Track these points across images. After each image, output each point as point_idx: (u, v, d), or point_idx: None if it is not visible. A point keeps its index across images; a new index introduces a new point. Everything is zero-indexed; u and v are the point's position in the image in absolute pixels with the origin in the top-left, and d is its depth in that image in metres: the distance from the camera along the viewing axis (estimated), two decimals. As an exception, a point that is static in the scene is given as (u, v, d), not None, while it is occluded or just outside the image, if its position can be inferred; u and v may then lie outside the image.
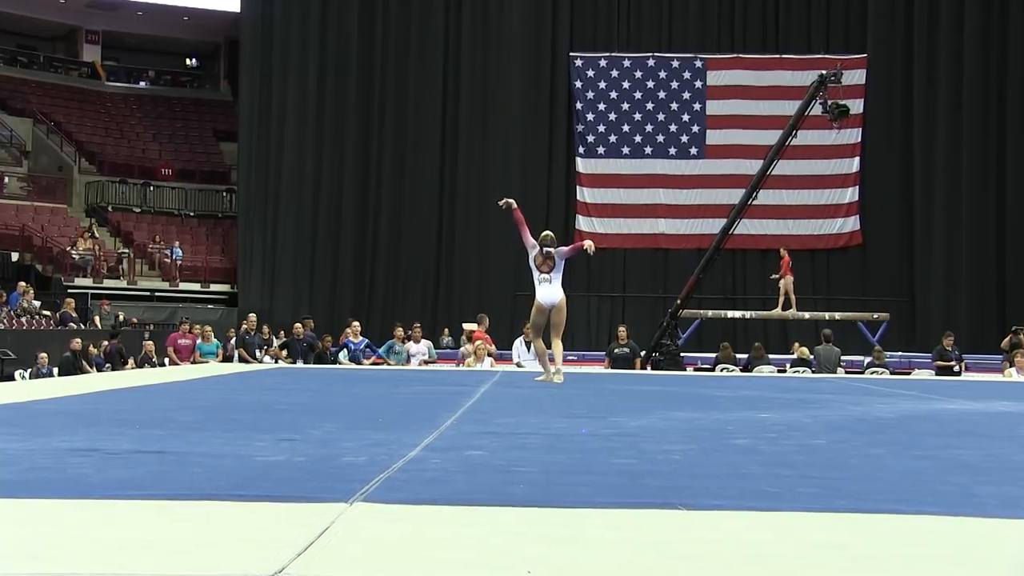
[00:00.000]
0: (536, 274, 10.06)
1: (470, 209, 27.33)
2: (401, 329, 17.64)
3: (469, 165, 27.60)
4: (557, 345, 10.19)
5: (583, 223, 27.38)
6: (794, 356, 18.91)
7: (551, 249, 10.05)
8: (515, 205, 10.34)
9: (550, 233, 10.34)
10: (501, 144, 27.40)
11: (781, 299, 21.34)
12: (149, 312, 27.20)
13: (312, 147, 27.83)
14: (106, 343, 18.98)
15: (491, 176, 27.34)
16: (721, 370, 17.55)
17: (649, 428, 5.32)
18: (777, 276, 21.47)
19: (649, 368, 18.40)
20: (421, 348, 17.46)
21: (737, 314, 22.80)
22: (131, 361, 18.51)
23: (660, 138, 27.61)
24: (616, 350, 17.45)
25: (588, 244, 10.17)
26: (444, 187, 27.66)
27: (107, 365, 17.92)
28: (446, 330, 23.01)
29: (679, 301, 20.63)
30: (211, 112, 36.86)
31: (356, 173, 27.73)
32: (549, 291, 10.00)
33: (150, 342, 18.97)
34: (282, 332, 20.53)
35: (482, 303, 23.94)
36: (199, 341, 17.94)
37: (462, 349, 17.78)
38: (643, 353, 18.51)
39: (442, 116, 27.71)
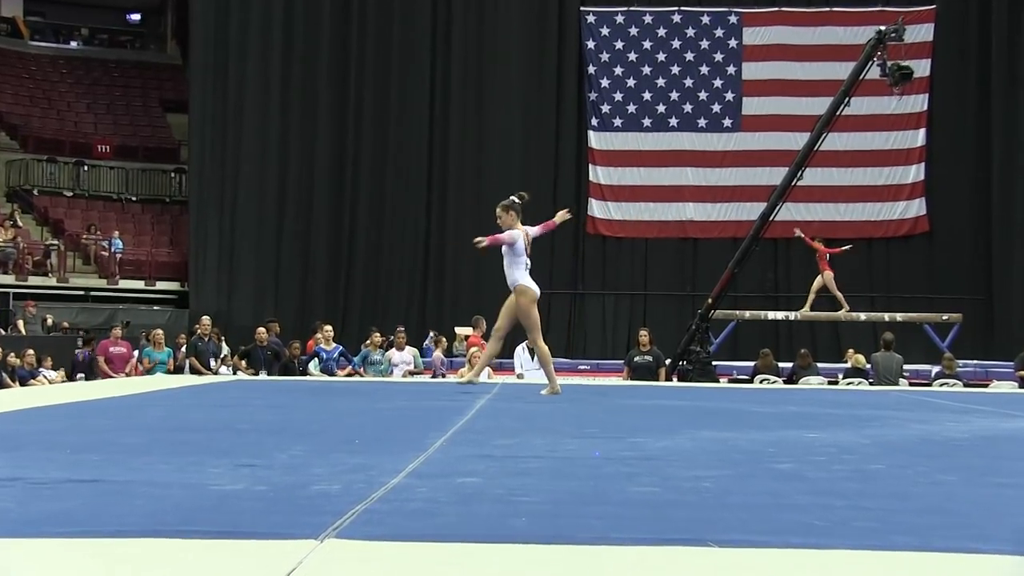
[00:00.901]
0: (522, 259, 10.00)
1: (464, 193, 27.34)
2: (379, 334, 17.65)
3: (462, 142, 27.59)
4: (495, 347, 10.38)
5: (596, 208, 27.40)
6: (848, 365, 18.90)
7: (529, 232, 10.09)
8: (485, 242, 10.10)
9: (525, 195, 10.26)
10: (499, 116, 27.40)
11: (811, 299, 21.39)
12: (83, 315, 27.19)
13: (277, 120, 27.82)
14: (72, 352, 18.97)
15: (488, 154, 27.33)
16: (761, 381, 17.55)
17: (675, 450, 5.32)
18: (800, 234, 21.39)
19: (675, 379, 18.40)
20: (405, 357, 17.48)
21: (780, 315, 22.79)
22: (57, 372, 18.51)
23: (688, 108, 27.61)
24: (636, 358, 17.45)
25: (561, 215, 10.25)
26: (433, 167, 27.66)
27: (79, 376, 17.94)
28: (434, 335, 23.03)
29: (710, 300, 20.61)
30: (156, 78, 36.86)
31: (330, 151, 27.73)
32: (529, 278, 10.05)
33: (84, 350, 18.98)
34: (220, 336, 20.52)
35: (478, 303, 23.92)
36: (148, 347, 17.94)
37: (435, 353, 17.80)
38: (668, 362, 18.51)
39: (430, 83, 27.72)
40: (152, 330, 19.60)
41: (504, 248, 10.09)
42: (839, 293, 21.37)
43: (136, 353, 18.93)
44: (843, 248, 21.60)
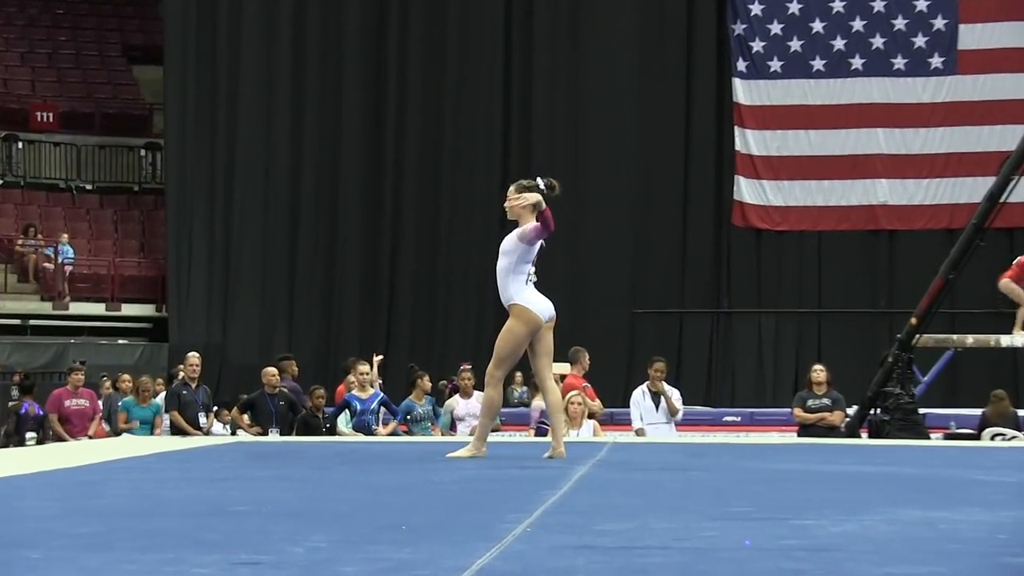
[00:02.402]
0: (526, 267, 9.99)
1: (554, 167, 27.23)
2: (426, 377, 17.63)
3: (552, 100, 27.58)
4: (555, 392, 10.23)
5: (746, 189, 27.23)
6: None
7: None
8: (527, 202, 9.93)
9: (556, 185, 10.05)
10: (604, 63, 27.37)
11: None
12: (20, 353, 27.49)
13: (288, 73, 27.99)
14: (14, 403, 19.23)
15: (588, 119, 27.32)
16: (992, 437, 17.34)
17: (861, 536, 5.28)
18: None
19: (865, 434, 18.25)
20: (474, 407, 17.45)
21: (1019, 341, 22.48)
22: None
23: (878, 42, 27.37)
24: (810, 403, 17.32)
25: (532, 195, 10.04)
26: (510, 137, 27.69)
27: (31, 436, 18.20)
28: (518, 375, 23.07)
29: (915, 320, 20.37)
30: (117, 17, 37.15)
31: (363, 116, 27.84)
32: (540, 295, 10.06)
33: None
34: (184, 376, 20.66)
35: (578, 330, 23.94)
36: (129, 398, 18.02)
37: (534, 402, 17.70)
38: (854, 409, 18.34)
39: (504, 21, 27.70)
40: (119, 374, 19.78)
41: (511, 245, 10.00)
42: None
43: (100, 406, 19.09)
44: None
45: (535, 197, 9.79)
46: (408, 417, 17.12)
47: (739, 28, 27.52)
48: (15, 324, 28.68)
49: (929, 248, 24.62)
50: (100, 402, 19.25)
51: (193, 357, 18.42)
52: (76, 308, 29.29)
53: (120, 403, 18.12)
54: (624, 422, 17.75)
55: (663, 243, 27.23)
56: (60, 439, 17.57)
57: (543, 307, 9.95)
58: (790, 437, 17.40)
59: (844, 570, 4.43)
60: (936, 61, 27.32)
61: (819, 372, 17.61)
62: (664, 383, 16.98)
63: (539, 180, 10.01)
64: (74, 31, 36.48)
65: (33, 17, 36.38)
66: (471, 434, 16.59)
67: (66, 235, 30.08)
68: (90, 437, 17.69)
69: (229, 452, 11.69)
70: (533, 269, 10.02)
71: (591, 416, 16.04)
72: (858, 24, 27.41)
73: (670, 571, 4.40)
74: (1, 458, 11.48)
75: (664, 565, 4.53)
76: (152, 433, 17.45)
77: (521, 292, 9.94)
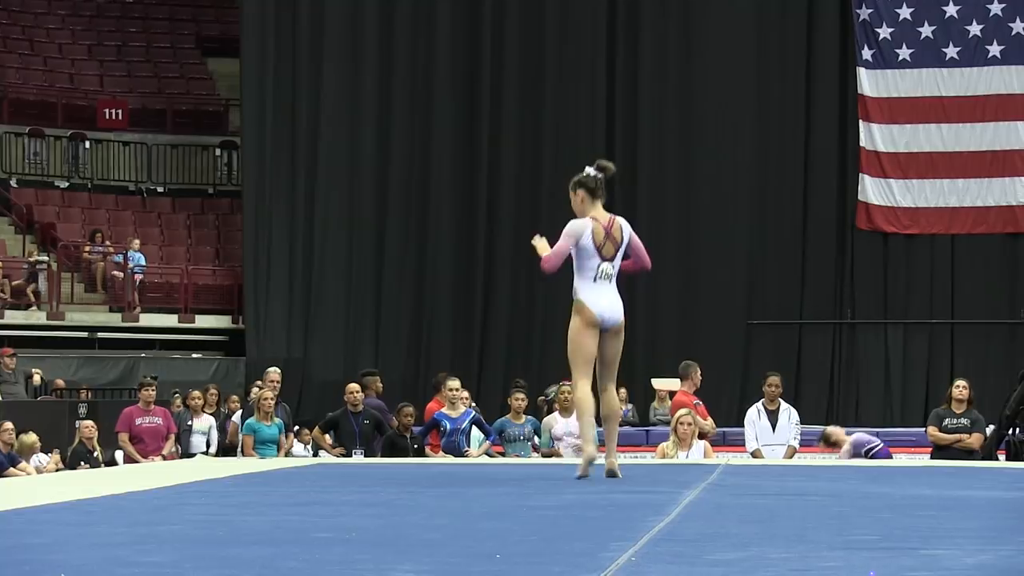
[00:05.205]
0: (590, 262, 10.05)
1: (663, 167, 27.32)
2: (521, 394, 17.58)
3: (660, 94, 27.53)
4: (613, 400, 10.40)
5: (872, 189, 27.02)
6: None
7: (620, 223, 10.22)
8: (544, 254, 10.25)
9: (609, 167, 10.24)
10: (717, 53, 27.30)
11: None
12: (88, 367, 27.68)
13: (375, 64, 28.07)
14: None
15: (698, 110, 27.22)
16: None
17: (998, 569, 5.24)
18: None
19: (1003, 457, 18.08)
20: (575, 424, 17.40)
21: None
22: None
23: (1018, 27, 27.11)
24: (947, 422, 17.13)
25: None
26: (614, 135, 27.61)
27: (84, 465, 18.36)
28: (622, 392, 23.03)
29: (1059, 332, 20.21)
30: (191, 6, 37.36)
31: (456, 111, 27.87)
32: (610, 295, 10.14)
33: (88, 422, 19.38)
34: (269, 396, 20.67)
35: (689, 343, 23.91)
36: (253, 418, 17.90)
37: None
38: (991, 428, 18.18)
39: (609, 4, 27.66)
40: (189, 390, 19.92)
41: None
42: None
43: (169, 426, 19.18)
44: None
45: (542, 247, 10.19)
46: (502, 435, 17.09)
47: (864, 13, 27.32)
48: (82, 337, 28.87)
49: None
50: (178, 420, 19.35)
51: (274, 373, 18.49)
52: (147, 320, 29.48)
53: (247, 424, 17.75)
54: (738, 443, 17.66)
55: (780, 248, 27.10)
56: (131, 460, 17.72)
57: (603, 306, 10.04)
58: (920, 459, 17.25)
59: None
60: (1085, 48, 27.08)
61: (962, 389, 17.35)
62: (782, 401, 16.94)
63: (588, 170, 10.15)
64: (145, 22, 36.68)
65: (101, 7, 36.61)
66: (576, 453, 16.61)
67: (136, 241, 30.23)
68: (164, 457, 17.82)
69: (310, 475, 11.75)
70: (606, 266, 10.04)
71: (702, 436, 15.99)
72: (996, 7, 27.12)
73: (787, 604, 4.41)
74: (66, 482, 11.59)
75: (781, 598, 4.53)
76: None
77: (582, 289, 10.07)
